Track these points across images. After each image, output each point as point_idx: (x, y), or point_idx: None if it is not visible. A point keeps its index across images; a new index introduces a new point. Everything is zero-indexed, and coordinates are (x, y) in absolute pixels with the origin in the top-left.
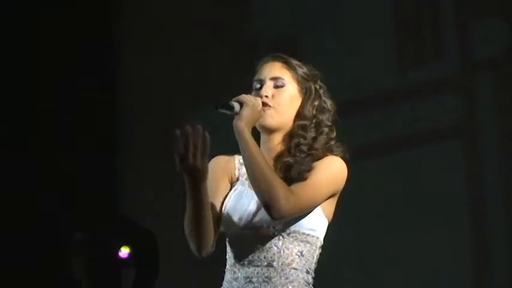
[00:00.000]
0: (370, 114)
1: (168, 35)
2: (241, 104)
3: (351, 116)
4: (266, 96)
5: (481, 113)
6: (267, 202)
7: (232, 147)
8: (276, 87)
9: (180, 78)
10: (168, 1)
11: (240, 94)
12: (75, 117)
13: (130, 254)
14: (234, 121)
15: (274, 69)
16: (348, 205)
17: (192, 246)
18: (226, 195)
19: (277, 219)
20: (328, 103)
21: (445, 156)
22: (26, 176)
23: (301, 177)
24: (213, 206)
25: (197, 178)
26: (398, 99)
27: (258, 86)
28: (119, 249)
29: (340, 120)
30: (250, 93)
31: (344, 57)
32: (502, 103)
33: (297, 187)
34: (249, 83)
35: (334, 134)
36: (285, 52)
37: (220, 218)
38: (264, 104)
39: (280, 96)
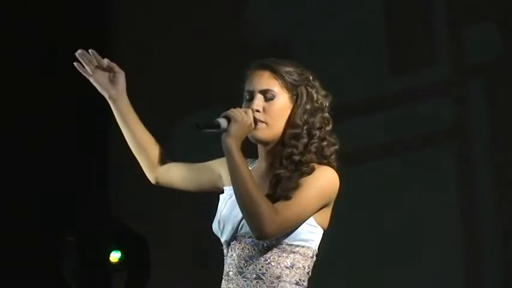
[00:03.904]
0: (362, 119)
1: (160, 39)
2: (229, 120)
3: (341, 121)
4: (257, 111)
5: (472, 118)
6: (251, 222)
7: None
8: (267, 99)
9: (172, 81)
10: (160, 6)
11: (230, 105)
12: (74, 126)
13: (121, 258)
14: (222, 137)
15: (262, 81)
16: (338, 210)
17: (143, 169)
18: (218, 198)
19: (261, 239)
20: (321, 100)
21: (437, 161)
22: (20, 178)
23: (286, 196)
24: (192, 166)
25: (109, 97)
26: (390, 105)
27: (248, 97)
28: (110, 253)
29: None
30: (241, 102)
31: (336, 62)
32: (494, 108)
33: (282, 206)
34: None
35: (330, 126)
36: (278, 56)
37: (189, 172)
38: (256, 120)
39: (271, 109)
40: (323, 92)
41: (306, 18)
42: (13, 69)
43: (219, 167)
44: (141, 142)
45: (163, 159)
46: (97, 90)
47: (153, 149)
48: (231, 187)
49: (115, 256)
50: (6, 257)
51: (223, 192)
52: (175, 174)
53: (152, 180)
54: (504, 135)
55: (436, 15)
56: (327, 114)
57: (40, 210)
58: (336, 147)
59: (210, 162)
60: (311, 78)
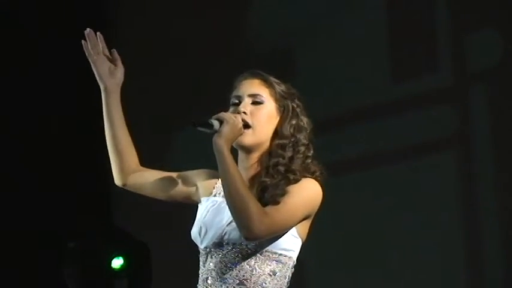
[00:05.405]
0: (363, 126)
1: (160, 49)
2: (221, 122)
3: (343, 128)
4: (244, 113)
5: (474, 125)
6: (240, 221)
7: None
8: (254, 103)
9: (172, 90)
10: (159, 14)
11: (221, 111)
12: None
13: (123, 265)
14: (214, 138)
15: (252, 86)
16: (340, 217)
17: (113, 169)
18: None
19: (249, 239)
20: (305, 121)
21: (438, 168)
22: (23, 184)
23: (274, 200)
24: (168, 176)
25: (105, 88)
26: (392, 112)
27: (236, 101)
28: (112, 259)
29: (332, 132)
30: (227, 109)
31: (337, 70)
32: (496, 115)
33: (271, 209)
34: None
35: (311, 152)
36: (278, 65)
37: (164, 185)
38: (244, 125)
39: (259, 113)
40: (306, 119)
41: (306, 27)
42: (13, 69)
43: (196, 178)
44: (120, 142)
45: (136, 165)
46: (97, 92)
47: (130, 152)
48: (209, 198)
49: (117, 263)
50: (6, 264)
51: (198, 203)
52: (147, 181)
53: (119, 183)
54: (505, 141)
55: (438, 23)
56: (311, 136)
57: (40, 216)
58: (320, 171)
59: (187, 172)
60: (297, 97)
